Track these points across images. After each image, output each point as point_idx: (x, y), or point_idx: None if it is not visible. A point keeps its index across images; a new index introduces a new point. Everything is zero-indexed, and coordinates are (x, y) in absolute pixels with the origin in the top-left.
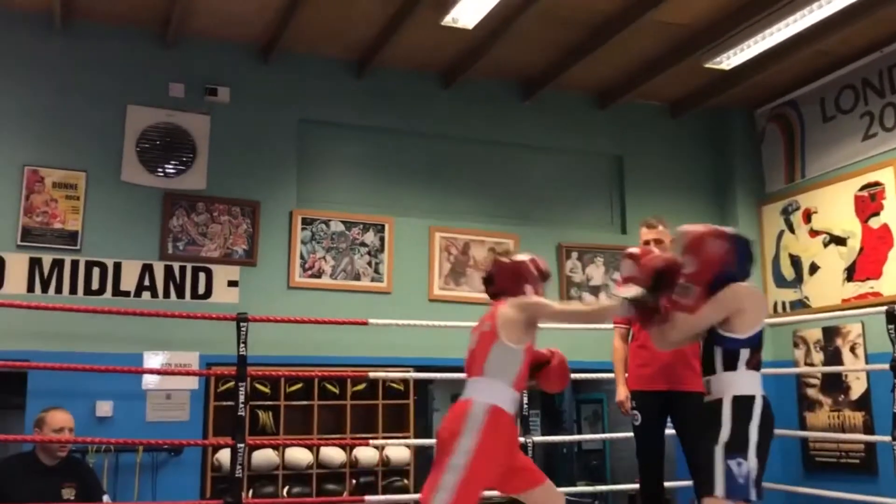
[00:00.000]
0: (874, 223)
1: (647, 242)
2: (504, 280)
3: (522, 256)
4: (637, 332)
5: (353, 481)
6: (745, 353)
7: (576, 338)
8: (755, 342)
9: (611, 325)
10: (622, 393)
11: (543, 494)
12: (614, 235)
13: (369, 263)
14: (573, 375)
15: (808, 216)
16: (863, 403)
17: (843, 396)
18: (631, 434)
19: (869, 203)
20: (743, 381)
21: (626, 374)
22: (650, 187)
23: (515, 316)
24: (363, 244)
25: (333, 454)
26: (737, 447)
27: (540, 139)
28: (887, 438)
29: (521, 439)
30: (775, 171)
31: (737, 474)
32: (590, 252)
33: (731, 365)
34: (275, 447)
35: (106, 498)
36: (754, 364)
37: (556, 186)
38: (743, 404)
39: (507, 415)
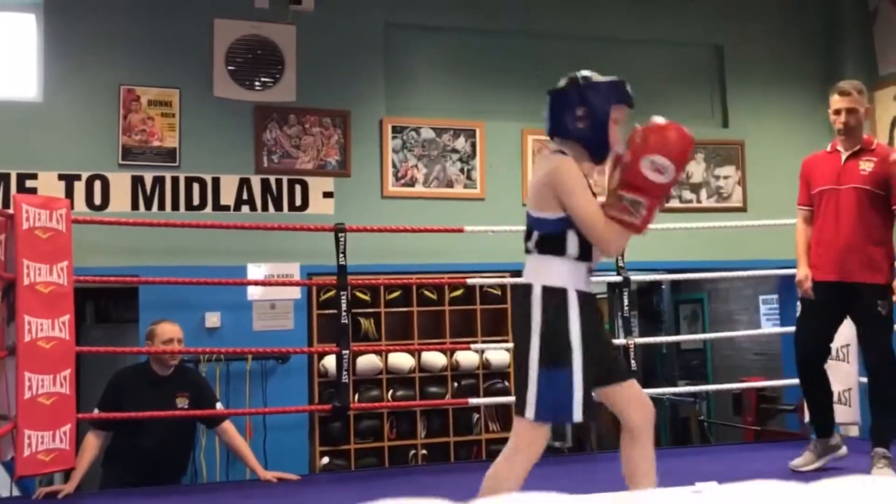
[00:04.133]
0: None
1: (837, 112)
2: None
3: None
4: (818, 223)
5: (455, 384)
6: None
7: (677, 238)
8: None
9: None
10: (802, 272)
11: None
12: (715, 129)
13: (461, 170)
14: (674, 276)
15: None
16: None
17: None
18: (731, 333)
19: None
20: None
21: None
22: (753, 77)
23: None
24: (454, 150)
25: (434, 358)
26: None
27: (634, 31)
28: None
29: (624, 341)
30: (889, 52)
31: None
32: None
33: None
34: (378, 353)
35: (219, 405)
36: None
37: (653, 80)
38: None
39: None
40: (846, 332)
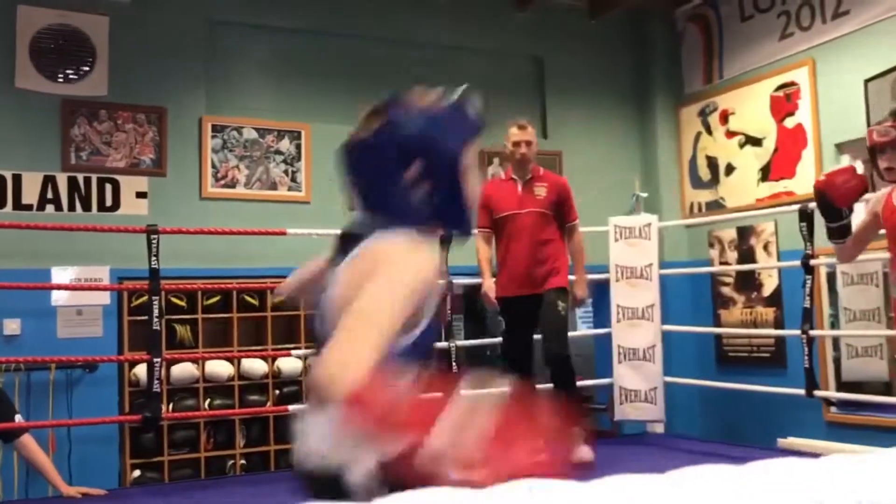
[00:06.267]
0: (789, 123)
1: (517, 144)
2: None
3: None
4: (503, 243)
5: (277, 391)
6: None
7: None
8: None
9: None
10: (487, 283)
11: None
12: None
13: (286, 172)
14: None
15: (724, 117)
16: (774, 300)
17: (755, 293)
18: None
19: (784, 103)
20: None
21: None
22: (570, 90)
23: None
24: (278, 152)
25: (255, 365)
26: None
27: (458, 39)
28: (796, 332)
29: (446, 344)
30: (694, 72)
31: None
32: None
33: None
34: (194, 361)
35: (18, 417)
36: None
37: (476, 89)
38: None
39: None
40: (651, 335)
